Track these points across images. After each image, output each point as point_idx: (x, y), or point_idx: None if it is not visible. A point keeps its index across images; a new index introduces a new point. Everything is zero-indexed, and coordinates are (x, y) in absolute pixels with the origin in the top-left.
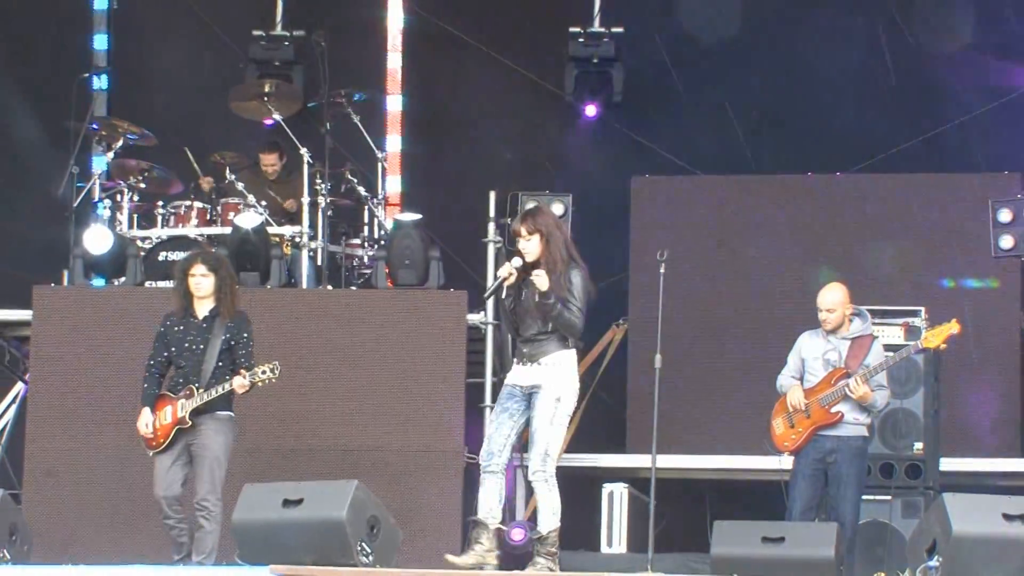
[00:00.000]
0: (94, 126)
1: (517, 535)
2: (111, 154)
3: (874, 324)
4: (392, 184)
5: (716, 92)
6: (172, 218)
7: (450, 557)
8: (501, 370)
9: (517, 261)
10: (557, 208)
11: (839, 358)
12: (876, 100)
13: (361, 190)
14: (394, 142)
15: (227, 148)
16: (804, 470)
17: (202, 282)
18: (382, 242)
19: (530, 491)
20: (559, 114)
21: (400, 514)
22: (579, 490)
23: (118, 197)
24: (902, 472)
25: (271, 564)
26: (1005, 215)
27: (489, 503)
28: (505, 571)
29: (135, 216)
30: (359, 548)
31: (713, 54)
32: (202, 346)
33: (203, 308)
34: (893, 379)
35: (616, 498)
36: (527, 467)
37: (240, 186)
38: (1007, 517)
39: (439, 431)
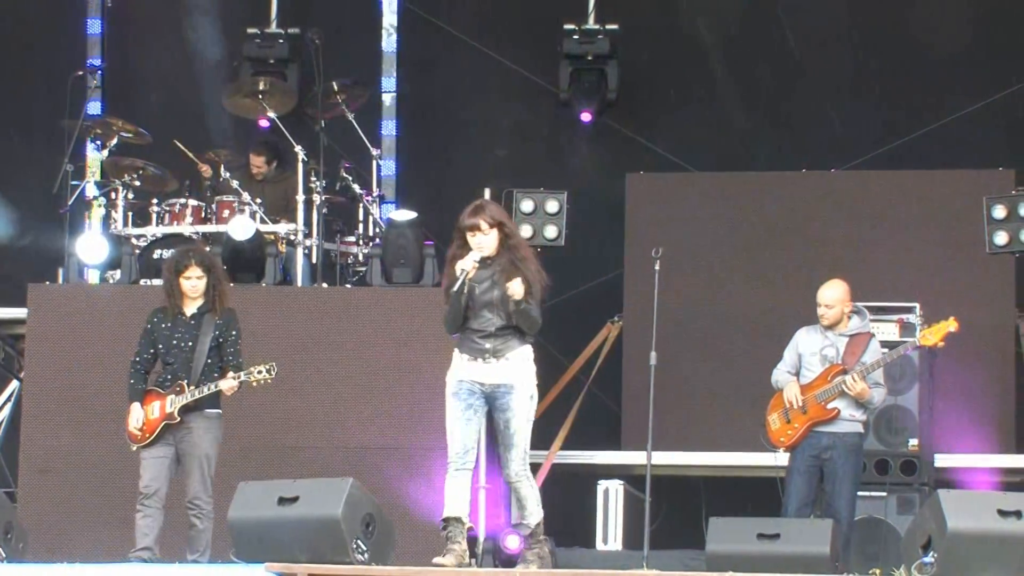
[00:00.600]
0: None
1: (513, 543)
2: (106, 152)
3: (870, 320)
4: (387, 167)
5: (711, 89)
6: (167, 216)
7: (438, 559)
8: None
9: (476, 255)
10: (552, 205)
11: (836, 354)
12: (871, 97)
13: (356, 187)
14: (389, 127)
15: (222, 146)
16: (800, 466)
17: (197, 284)
18: (377, 240)
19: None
20: (554, 111)
21: (395, 512)
22: (574, 487)
23: (113, 195)
24: (897, 468)
25: (267, 562)
26: (999, 211)
27: (462, 500)
28: (504, 570)
29: (130, 214)
30: (355, 546)
31: (707, 51)
32: (191, 343)
33: (192, 305)
34: (888, 375)
35: (611, 495)
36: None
37: (235, 184)
38: (1002, 513)
39: (434, 429)
